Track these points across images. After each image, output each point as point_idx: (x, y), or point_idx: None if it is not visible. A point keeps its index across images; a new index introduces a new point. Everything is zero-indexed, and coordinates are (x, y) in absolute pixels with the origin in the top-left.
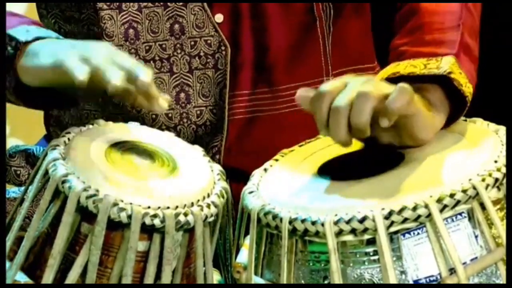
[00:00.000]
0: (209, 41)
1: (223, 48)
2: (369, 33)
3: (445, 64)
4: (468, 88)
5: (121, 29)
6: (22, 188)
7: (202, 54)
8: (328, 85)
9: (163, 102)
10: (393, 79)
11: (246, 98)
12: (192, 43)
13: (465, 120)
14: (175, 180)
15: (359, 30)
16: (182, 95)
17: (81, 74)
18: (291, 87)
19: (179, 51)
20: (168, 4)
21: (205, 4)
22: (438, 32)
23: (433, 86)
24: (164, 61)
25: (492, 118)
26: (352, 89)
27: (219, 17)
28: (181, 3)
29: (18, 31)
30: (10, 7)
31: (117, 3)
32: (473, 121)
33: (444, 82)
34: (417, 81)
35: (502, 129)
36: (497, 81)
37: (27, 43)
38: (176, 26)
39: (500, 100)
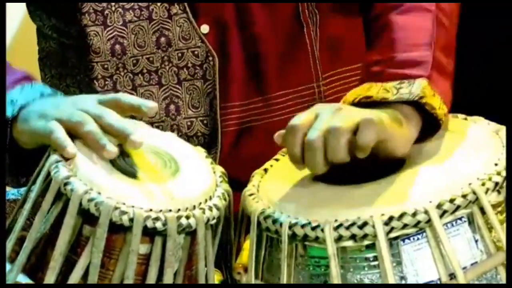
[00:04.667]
0: (196, 52)
1: (210, 58)
2: (358, 32)
3: (417, 89)
4: (441, 110)
5: (107, 44)
6: (22, 190)
7: (190, 65)
8: (298, 119)
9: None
10: (366, 104)
11: (238, 110)
12: (180, 54)
13: (466, 119)
14: (177, 182)
15: (346, 33)
16: (172, 106)
17: (70, 152)
18: (283, 94)
19: (166, 63)
20: (153, 17)
21: (190, 15)
22: (409, 50)
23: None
24: (152, 73)
25: (492, 118)
26: (323, 122)
27: (204, 28)
28: (166, 16)
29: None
30: (10, 7)
31: (102, 19)
32: (474, 120)
33: (417, 105)
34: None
35: (503, 129)
36: (498, 81)
37: (14, 118)
38: (163, 39)
39: (501, 100)
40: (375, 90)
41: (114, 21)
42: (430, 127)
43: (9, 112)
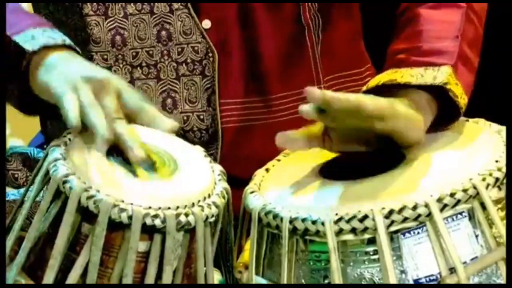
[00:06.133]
0: (196, 48)
1: (210, 54)
2: (358, 37)
3: (442, 75)
4: (463, 100)
5: (108, 35)
6: (21, 190)
7: (189, 60)
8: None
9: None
10: (390, 86)
11: (239, 107)
12: (179, 49)
13: (467, 121)
14: (176, 180)
15: (348, 36)
16: (169, 100)
17: (75, 126)
18: (284, 96)
19: (166, 57)
20: (155, 11)
21: (192, 10)
22: (436, 41)
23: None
24: (151, 67)
25: (493, 118)
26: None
27: (206, 24)
28: (167, 10)
29: (24, 39)
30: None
31: (103, 10)
32: (476, 122)
33: (440, 92)
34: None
35: (505, 130)
36: (498, 81)
37: (34, 53)
38: (163, 32)
39: (501, 100)
40: (399, 74)
41: (115, 13)
42: (447, 117)
43: (29, 45)
